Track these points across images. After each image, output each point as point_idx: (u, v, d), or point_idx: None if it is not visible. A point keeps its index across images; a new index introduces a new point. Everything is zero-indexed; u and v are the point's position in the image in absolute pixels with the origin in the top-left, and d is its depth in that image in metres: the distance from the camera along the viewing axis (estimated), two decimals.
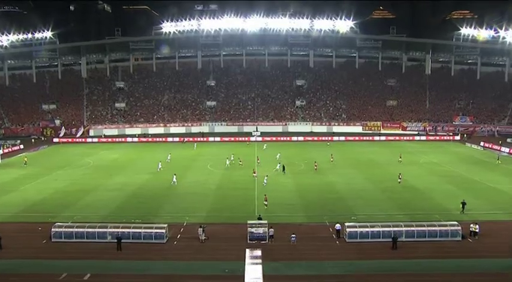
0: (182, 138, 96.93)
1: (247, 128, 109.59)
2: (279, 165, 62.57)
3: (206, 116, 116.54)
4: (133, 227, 35.89)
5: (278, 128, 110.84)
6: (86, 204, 45.94)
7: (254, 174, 56.97)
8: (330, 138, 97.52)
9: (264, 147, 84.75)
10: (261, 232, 35.26)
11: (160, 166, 63.77)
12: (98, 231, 35.53)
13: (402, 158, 69.87)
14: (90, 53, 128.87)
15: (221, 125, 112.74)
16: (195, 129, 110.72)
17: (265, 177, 54.45)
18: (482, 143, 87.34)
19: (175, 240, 35.65)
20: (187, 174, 60.22)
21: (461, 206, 42.15)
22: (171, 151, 76.80)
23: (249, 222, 36.09)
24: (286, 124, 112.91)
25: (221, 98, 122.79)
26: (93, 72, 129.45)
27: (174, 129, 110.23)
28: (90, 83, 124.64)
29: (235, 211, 43.15)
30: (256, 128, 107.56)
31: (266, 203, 43.76)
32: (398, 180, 53.63)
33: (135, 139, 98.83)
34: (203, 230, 35.30)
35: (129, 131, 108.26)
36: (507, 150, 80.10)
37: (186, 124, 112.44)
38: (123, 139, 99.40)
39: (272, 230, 35.25)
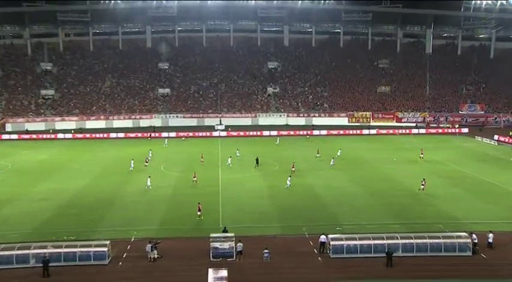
0: (148, 133, 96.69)
1: (208, 121, 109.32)
2: (333, 160, 66.23)
3: (158, 107, 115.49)
4: (66, 246, 34.94)
5: (246, 121, 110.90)
6: (1, 220, 44.45)
7: (194, 179, 56.61)
8: (309, 132, 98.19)
9: (278, 142, 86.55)
10: (227, 247, 35.09)
11: (132, 166, 63.98)
12: (17, 254, 34.14)
13: (400, 156, 71.13)
14: (2, 23, 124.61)
15: (177, 117, 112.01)
16: (144, 122, 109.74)
17: (289, 178, 54.66)
18: (496, 137, 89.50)
19: (120, 260, 35.05)
20: (135, 178, 59.43)
21: None
22: (134, 148, 76.70)
23: (211, 235, 35.84)
24: (256, 116, 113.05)
25: (176, 85, 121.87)
26: (7, 49, 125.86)
27: (118, 122, 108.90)
28: (4, 64, 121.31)
29: (194, 222, 42.83)
30: (220, 120, 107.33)
31: (200, 213, 43.49)
32: (421, 186, 52.53)
33: (68, 135, 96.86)
34: (153, 247, 34.84)
35: (60, 125, 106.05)
36: None
37: (133, 116, 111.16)
38: (52, 135, 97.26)
39: (240, 244, 35.12)
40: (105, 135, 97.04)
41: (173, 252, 35.95)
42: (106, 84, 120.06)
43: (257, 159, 65.97)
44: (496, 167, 66.22)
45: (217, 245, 35.17)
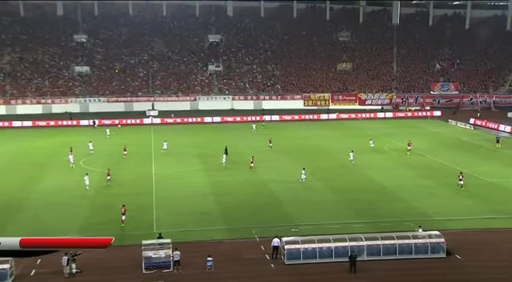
0: (93, 121, 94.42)
1: (138, 106, 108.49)
2: (352, 154, 63.46)
3: (75, 89, 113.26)
4: None
5: (184, 105, 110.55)
6: None
7: (108, 178, 55.40)
8: (259, 117, 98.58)
9: (254, 129, 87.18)
10: (163, 256, 34.99)
11: (72, 161, 62.28)
12: None
13: (364, 145, 72.32)
14: None
15: (99, 101, 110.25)
16: (57, 108, 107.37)
17: (303, 171, 55.12)
18: (472, 120, 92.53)
19: (27, 278, 34.23)
20: (47, 175, 58.16)
21: None
22: (46, 140, 75.77)
23: (143, 242, 35.65)
24: (195, 99, 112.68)
25: (97, 61, 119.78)
26: None
27: (24, 108, 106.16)
28: None
29: (122, 228, 42.33)
30: (152, 105, 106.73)
31: (124, 217, 43.00)
32: (459, 182, 52.36)
33: None
34: (69, 260, 34.15)
35: None
36: (508, 128, 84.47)
37: (43, 101, 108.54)
38: None
39: (178, 252, 35.00)
40: (6, 124, 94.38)
41: (96, 265, 35.38)
42: (5, 60, 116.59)
43: (226, 149, 65.12)
44: (473, 155, 68.48)
45: (150, 253, 34.97)
